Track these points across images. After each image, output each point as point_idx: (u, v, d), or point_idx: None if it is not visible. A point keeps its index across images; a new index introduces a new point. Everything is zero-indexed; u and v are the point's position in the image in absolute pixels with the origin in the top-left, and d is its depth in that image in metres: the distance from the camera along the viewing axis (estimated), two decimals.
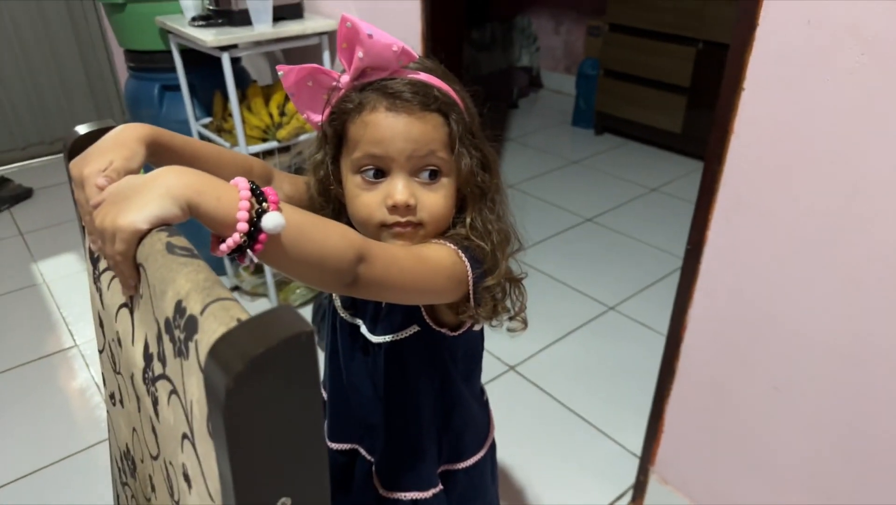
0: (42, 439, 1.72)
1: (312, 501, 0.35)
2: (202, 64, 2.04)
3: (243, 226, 0.47)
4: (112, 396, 0.64)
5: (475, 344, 0.87)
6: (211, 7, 1.85)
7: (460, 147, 0.70)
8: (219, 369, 0.30)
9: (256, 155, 1.97)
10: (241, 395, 0.30)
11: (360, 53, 0.66)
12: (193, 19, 1.84)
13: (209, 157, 0.69)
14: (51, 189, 3.16)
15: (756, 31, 0.98)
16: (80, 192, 0.54)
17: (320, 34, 1.91)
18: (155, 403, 0.45)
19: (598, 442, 1.70)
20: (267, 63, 2.44)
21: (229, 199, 0.48)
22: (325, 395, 0.97)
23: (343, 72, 0.71)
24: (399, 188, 0.68)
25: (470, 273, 0.70)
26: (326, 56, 1.96)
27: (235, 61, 2.18)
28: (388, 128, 0.67)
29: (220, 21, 1.83)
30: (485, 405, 0.98)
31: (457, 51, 1.92)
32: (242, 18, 1.82)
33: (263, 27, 1.81)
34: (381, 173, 0.69)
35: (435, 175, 0.70)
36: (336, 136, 0.72)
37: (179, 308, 0.39)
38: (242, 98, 2.00)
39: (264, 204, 0.49)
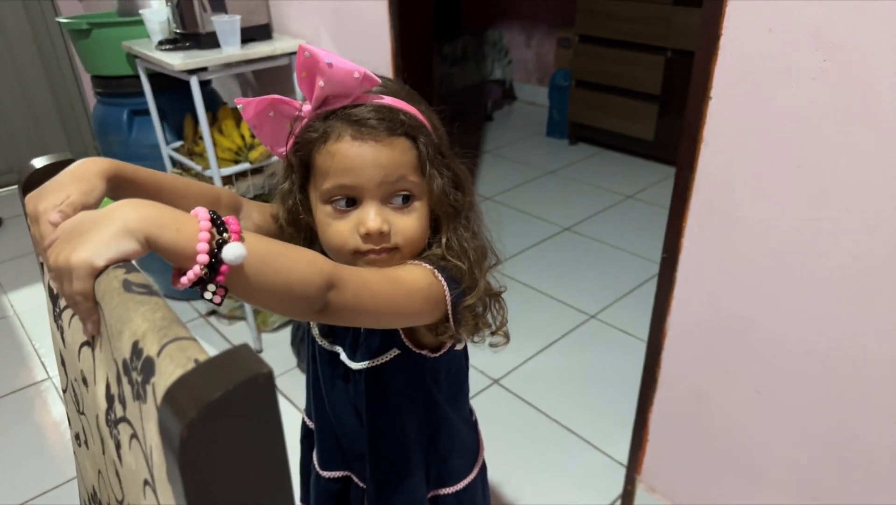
0: (17, 475, 1.67)
1: None
2: (171, 88, 2.01)
3: (203, 258, 0.46)
4: (77, 437, 0.62)
5: (458, 364, 0.86)
6: (178, 31, 1.83)
7: (431, 168, 0.69)
8: (173, 416, 0.29)
9: (229, 178, 1.95)
10: (197, 441, 0.28)
11: (320, 83, 0.65)
12: (160, 43, 1.82)
13: (175, 189, 0.68)
14: (20, 218, 3.10)
15: (720, 40, 0.99)
16: (35, 227, 0.52)
17: (290, 55, 1.90)
18: (118, 446, 0.43)
19: (585, 453, 1.69)
20: (237, 85, 2.42)
21: (189, 230, 0.46)
22: (310, 424, 0.96)
23: (304, 100, 0.69)
24: (371, 216, 0.67)
25: (447, 292, 0.70)
26: (296, 77, 1.95)
27: (205, 84, 2.16)
28: (355, 157, 0.66)
29: (187, 44, 1.81)
30: (473, 426, 0.97)
31: (428, 66, 1.92)
32: (210, 41, 1.81)
33: (232, 49, 1.80)
34: (352, 201, 0.68)
35: (407, 199, 0.69)
36: (302, 166, 0.71)
37: (136, 349, 0.37)
38: (213, 121, 1.98)
39: (225, 235, 0.47)
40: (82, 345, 0.50)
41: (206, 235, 0.47)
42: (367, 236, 0.68)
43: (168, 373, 0.34)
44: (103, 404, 0.45)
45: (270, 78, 2.18)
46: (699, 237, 1.14)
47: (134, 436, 0.40)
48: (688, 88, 1.06)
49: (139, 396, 0.37)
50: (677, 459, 1.35)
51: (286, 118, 0.71)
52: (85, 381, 0.51)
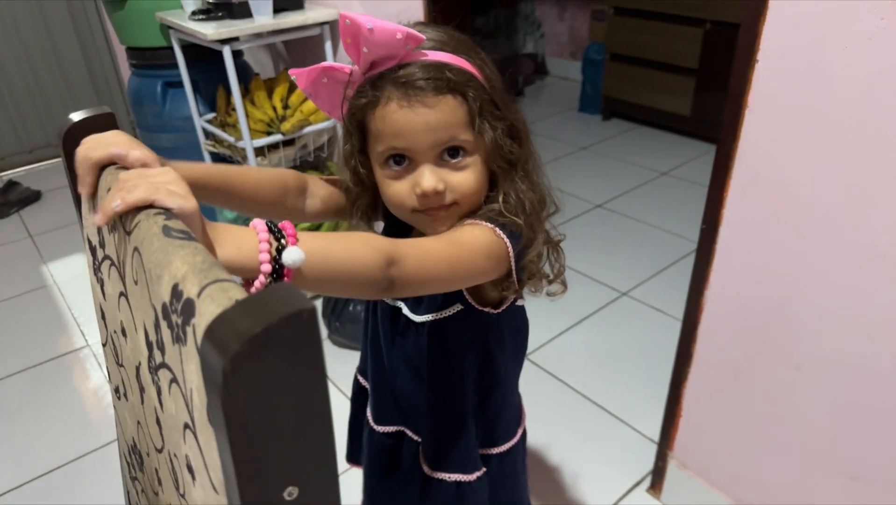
0: (56, 439, 1.72)
1: (321, 489, 0.33)
2: (204, 59, 2.02)
3: (267, 267, 0.49)
4: (117, 390, 0.62)
5: (521, 320, 0.87)
6: (211, 1, 1.83)
7: (481, 122, 0.69)
8: (215, 351, 0.28)
9: (261, 149, 1.96)
10: (240, 377, 0.28)
11: (364, 49, 0.65)
12: (193, 13, 1.82)
13: (245, 183, 0.72)
14: (58, 191, 3.16)
15: (768, 2, 0.94)
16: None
17: (321, 24, 1.89)
18: (158, 393, 0.43)
19: (615, 429, 1.67)
20: (269, 56, 2.42)
21: (249, 244, 0.49)
22: (364, 382, 0.99)
23: (353, 65, 0.70)
24: (426, 176, 0.68)
25: (510, 248, 0.70)
26: (328, 47, 1.94)
27: (237, 55, 2.16)
28: (404, 122, 0.67)
29: (220, 14, 1.81)
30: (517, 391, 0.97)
31: None
32: (243, 11, 1.80)
33: (264, 19, 1.79)
34: (407, 161, 0.70)
35: (460, 154, 0.70)
36: (359, 130, 0.72)
37: (176, 291, 0.37)
38: (245, 92, 1.98)
39: (283, 241, 0.50)
40: (121, 295, 0.50)
41: (266, 246, 0.49)
42: (423, 196, 0.69)
43: (209, 313, 0.33)
44: (144, 351, 0.45)
45: (302, 48, 2.17)
46: (741, 207, 1.10)
47: (174, 380, 0.39)
48: (728, 62, 1.02)
49: (179, 339, 0.37)
50: (711, 436, 1.33)
51: (339, 84, 0.72)
52: (125, 331, 0.51)
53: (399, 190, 0.71)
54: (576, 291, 2.22)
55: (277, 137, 1.94)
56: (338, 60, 2.15)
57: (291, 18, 1.83)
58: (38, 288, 2.43)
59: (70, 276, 2.50)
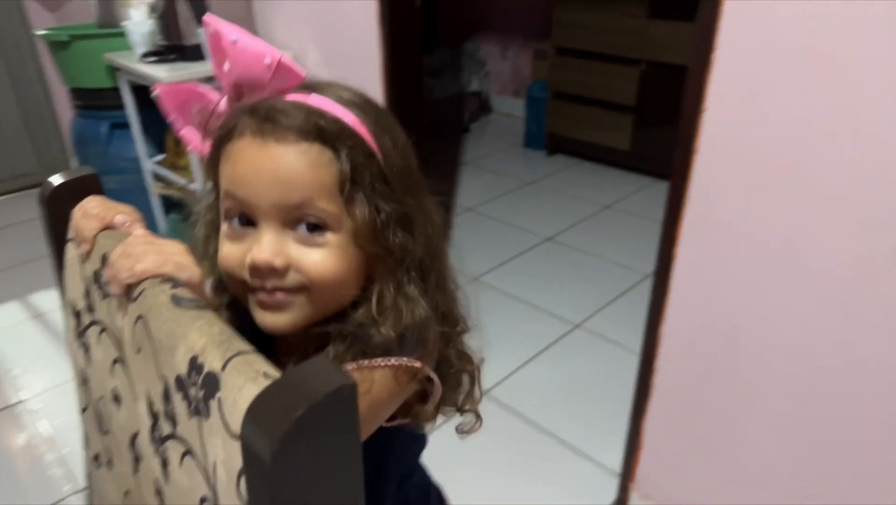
0: None
1: None
2: (152, 100, 1.99)
3: None
4: (97, 458, 0.60)
5: (413, 447, 0.74)
6: (162, 42, 1.82)
7: (353, 191, 0.52)
8: (260, 431, 0.29)
9: None
10: (287, 457, 0.28)
11: (226, 66, 0.52)
12: (144, 55, 1.80)
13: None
14: None
15: (713, 53, 1.02)
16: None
17: None
18: (164, 463, 0.43)
19: (577, 463, 1.70)
20: None
21: None
22: None
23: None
24: (262, 243, 0.51)
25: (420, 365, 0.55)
26: None
27: None
28: (250, 161, 0.51)
29: (172, 57, 1.79)
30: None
31: (418, 77, 1.94)
32: (195, 53, 1.79)
33: None
34: (249, 220, 0.53)
35: (317, 228, 0.53)
36: (214, 171, 0.56)
37: (195, 364, 0.37)
38: None
39: None
40: (115, 361, 0.49)
41: None
42: (252, 269, 0.52)
43: (237, 387, 0.34)
44: (147, 421, 0.45)
45: None
46: (694, 245, 1.16)
47: (188, 453, 0.39)
48: (663, 99, 1.10)
49: (199, 412, 0.37)
50: (671, 465, 1.37)
51: (207, 113, 0.57)
52: (118, 398, 0.50)
53: (230, 254, 0.54)
54: (530, 324, 2.27)
55: None
56: None
57: None
58: None
59: (2, 325, 2.36)
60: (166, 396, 0.41)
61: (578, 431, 1.79)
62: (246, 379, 0.33)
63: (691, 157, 1.10)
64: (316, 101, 0.53)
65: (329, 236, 0.53)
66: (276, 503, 0.29)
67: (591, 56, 3.37)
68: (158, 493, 0.46)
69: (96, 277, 0.51)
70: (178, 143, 2.04)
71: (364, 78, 1.77)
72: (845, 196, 0.94)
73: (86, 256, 0.53)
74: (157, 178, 2.08)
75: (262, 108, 0.51)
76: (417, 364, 0.54)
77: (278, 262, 0.51)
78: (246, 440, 0.30)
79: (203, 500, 0.38)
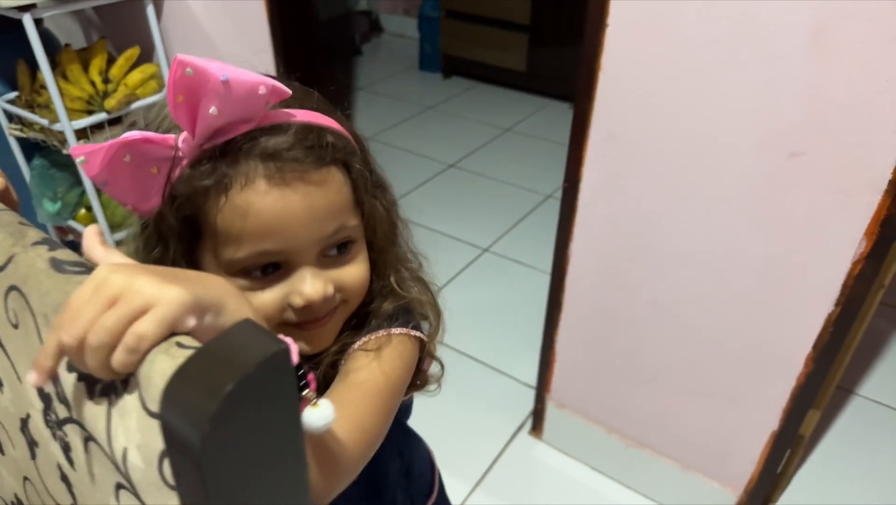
0: None
1: None
2: None
3: None
4: None
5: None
6: None
7: (364, 196, 0.54)
8: (184, 412, 0.25)
9: (83, 131, 1.73)
10: (219, 440, 0.25)
11: (212, 110, 0.44)
12: None
13: None
14: None
15: None
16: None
17: None
18: (66, 449, 0.38)
19: (495, 379, 1.76)
20: (78, 24, 2.13)
21: None
22: None
23: (180, 132, 0.47)
24: (309, 282, 0.51)
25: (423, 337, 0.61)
26: (150, 11, 1.74)
27: (37, 23, 1.87)
28: (279, 212, 0.48)
29: None
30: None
31: None
32: None
33: None
34: (275, 266, 0.52)
35: (345, 246, 0.54)
36: (187, 228, 0.50)
37: None
38: (55, 66, 1.73)
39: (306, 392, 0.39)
40: None
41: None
42: (306, 309, 0.52)
43: (147, 360, 0.29)
44: (37, 404, 0.39)
45: (118, 14, 1.93)
46: (599, 165, 1.18)
47: (91, 439, 0.34)
48: (558, 18, 1.07)
49: (103, 393, 0.32)
50: (584, 375, 1.44)
51: (152, 162, 0.47)
52: (0, 382, 0.43)
53: (267, 302, 0.51)
54: (440, 252, 2.27)
55: (101, 116, 1.73)
56: (163, 32, 1.92)
57: None
58: None
59: None
60: (56, 377, 0.36)
61: (494, 350, 1.84)
62: (159, 351, 0.29)
63: (595, 76, 1.09)
64: (304, 116, 0.50)
65: (353, 248, 0.55)
66: (211, 492, 0.26)
67: None
68: (64, 478, 0.41)
69: None
70: (35, 80, 1.79)
71: None
72: (746, 109, 0.97)
73: None
74: (11, 118, 1.84)
75: (267, 148, 0.47)
76: (422, 336, 0.60)
77: (330, 291, 0.52)
78: (168, 424, 0.26)
79: (119, 486, 0.34)
